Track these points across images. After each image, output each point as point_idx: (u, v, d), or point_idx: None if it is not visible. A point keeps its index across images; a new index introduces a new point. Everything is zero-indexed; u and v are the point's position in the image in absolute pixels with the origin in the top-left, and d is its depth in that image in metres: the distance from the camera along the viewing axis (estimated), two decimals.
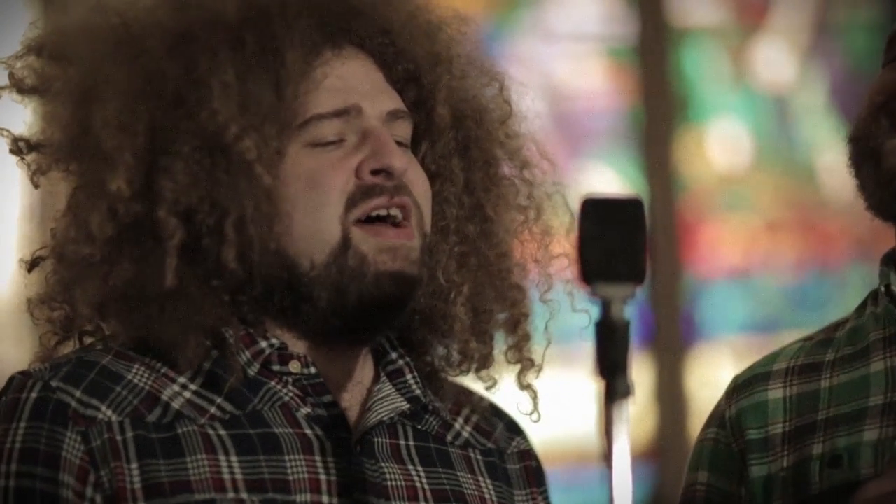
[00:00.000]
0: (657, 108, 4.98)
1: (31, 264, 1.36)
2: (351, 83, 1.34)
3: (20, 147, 1.35)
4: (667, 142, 4.97)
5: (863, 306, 1.49)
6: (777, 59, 5.05)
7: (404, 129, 1.36)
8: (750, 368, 1.55)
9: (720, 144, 5.02)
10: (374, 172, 1.30)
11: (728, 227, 5.00)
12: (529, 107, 1.47)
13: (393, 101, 1.35)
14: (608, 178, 5.01)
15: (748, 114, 5.04)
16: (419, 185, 1.34)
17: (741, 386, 1.53)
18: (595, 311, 0.96)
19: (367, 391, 1.35)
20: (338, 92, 1.33)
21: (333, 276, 1.29)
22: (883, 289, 1.45)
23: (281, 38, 1.30)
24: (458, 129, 1.40)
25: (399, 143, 1.34)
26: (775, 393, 1.50)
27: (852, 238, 4.89)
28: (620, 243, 0.96)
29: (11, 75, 1.34)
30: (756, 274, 4.96)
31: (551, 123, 4.84)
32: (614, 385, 0.94)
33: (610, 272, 0.96)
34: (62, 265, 1.32)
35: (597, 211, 0.97)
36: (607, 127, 5.03)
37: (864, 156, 1.41)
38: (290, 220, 1.29)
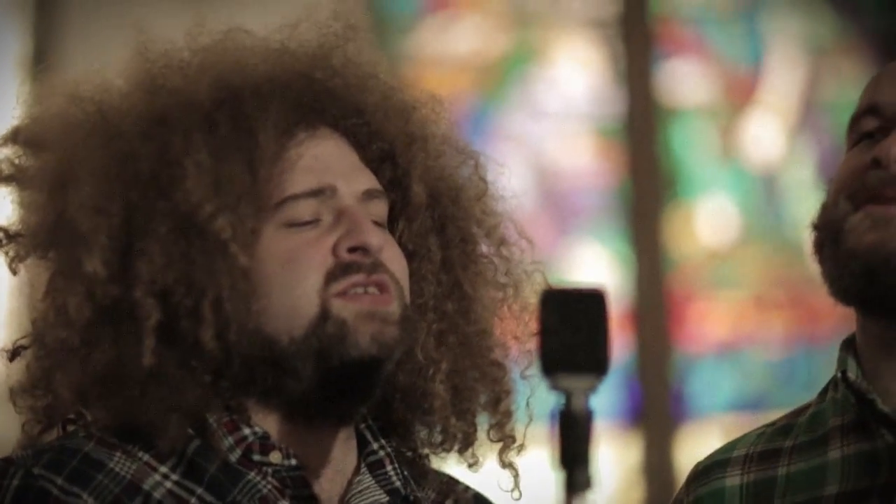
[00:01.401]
0: (646, 186, 5.00)
1: (13, 353, 1.36)
2: (325, 163, 1.35)
3: (7, 236, 1.36)
4: (655, 219, 4.98)
5: (824, 391, 1.48)
6: (765, 136, 5.08)
7: (380, 208, 1.37)
8: (710, 455, 1.53)
9: (709, 221, 5.04)
10: (351, 250, 1.31)
11: (717, 304, 5.00)
12: (508, 185, 1.47)
13: (368, 181, 1.36)
14: (597, 254, 5.02)
15: (736, 190, 5.06)
16: (396, 262, 1.34)
17: (700, 473, 1.51)
18: (557, 402, 0.96)
19: (347, 482, 1.34)
20: (312, 172, 1.34)
21: (314, 345, 1.29)
22: (840, 375, 1.43)
23: (254, 120, 1.31)
24: (434, 207, 1.41)
25: (375, 222, 1.35)
26: (733, 480, 1.47)
27: (840, 314, 4.89)
28: (581, 336, 0.96)
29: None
30: (745, 350, 4.96)
31: (540, 200, 4.87)
32: (574, 477, 0.94)
33: (570, 364, 0.96)
34: (42, 351, 1.32)
35: (557, 303, 0.98)
36: (596, 204, 5.05)
37: (825, 239, 1.41)
38: (267, 299, 1.29)
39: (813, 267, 4.73)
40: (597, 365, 0.96)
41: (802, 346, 4.94)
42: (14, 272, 1.37)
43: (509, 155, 4.99)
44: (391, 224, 1.39)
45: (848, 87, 5.06)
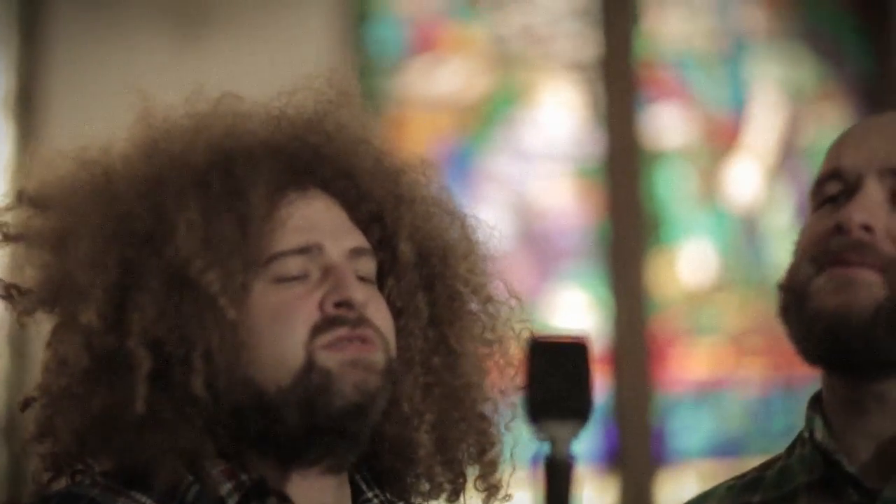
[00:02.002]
0: (626, 228, 5.02)
1: (24, 404, 1.42)
2: (314, 222, 1.41)
3: (11, 293, 1.43)
4: (636, 261, 5.00)
5: (792, 446, 1.49)
6: (746, 180, 5.11)
7: (367, 266, 1.42)
8: None
9: (689, 264, 5.07)
10: (337, 305, 1.36)
11: (696, 347, 5.02)
12: (496, 244, 1.51)
13: (355, 239, 1.42)
14: (577, 296, 5.04)
15: (716, 234, 5.09)
16: (381, 317, 1.39)
17: None
18: (541, 449, 0.99)
19: None
20: (301, 231, 1.39)
21: (300, 394, 1.34)
22: (807, 434, 1.45)
23: (246, 181, 1.38)
24: (422, 266, 1.46)
25: (362, 279, 1.40)
26: None
27: None
28: (565, 384, 0.99)
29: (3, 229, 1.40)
30: (723, 393, 4.98)
31: (521, 242, 4.89)
32: None
33: (555, 412, 0.98)
34: (46, 399, 1.39)
35: (542, 353, 1.01)
36: (577, 246, 5.08)
37: (791, 302, 1.43)
38: (256, 350, 1.35)
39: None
40: (580, 412, 0.99)
41: (781, 390, 4.96)
42: (22, 325, 1.44)
43: (491, 196, 5.03)
44: (381, 281, 1.44)
45: (828, 132, 5.10)
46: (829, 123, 5.11)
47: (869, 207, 1.39)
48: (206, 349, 1.33)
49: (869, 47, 5.15)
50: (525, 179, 5.11)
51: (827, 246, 1.40)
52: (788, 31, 5.19)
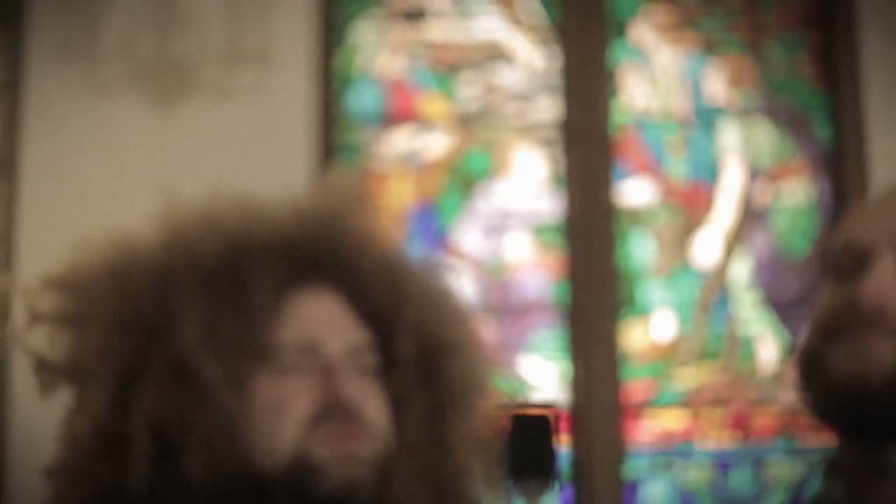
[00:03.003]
0: (590, 295, 5.06)
1: (47, 476, 1.50)
2: (316, 318, 1.49)
3: (39, 367, 1.52)
4: (602, 325, 5.03)
5: None
6: (709, 247, 5.17)
7: (366, 361, 1.50)
8: None
9: (652, 330, 5.12)
10: (332, 400, 1.44)
11: (658, 412, 5.06)
12: (491, 335, 1.63)
13: (355, 336, 1.50)
14: (540, 362, 5.07)
15: (681, 298, 5.14)
16: (376, 413, 1.47)
17: None
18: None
19: None
20: (303, 326, 1.48)
21: (291, 482, 1.41)
22: (823, 497, 1.48)
23: (252, 277, 1.46)
24: (422, 361, 1.53)
25: (361, 373, 1.48)
26: None
27: (775, 412, 5.02)
28: (534, 449, 1.09)
29: (31, 306, 1.49)
30: (686, 458, 5.01)
31: (485, 307, 4.92)
32: None
33: (526, 472, 1.09)
34: (57, 473, 1.47)
35: (515, 423, 1.10)
36: (539, 311, 5.11)
37: (806, 373, 1.47)
38: (252, 438, 1.43)
39: (748, 364, 4.75)
40: (548, 473, 1.09)
41: (742, 452, 5.01)
42: (43, 397, 1.52)
43: (457, 260, 5.07)
44: (380, 374, 1.51)
45: (790, 201, 5.19)
46: (791, 193, 5.20)
47: (881, 283, 1.41)
48: (205, 435, 1.41)
49: (831, 122, 5.23)
50: (491, 244, 5.15)
51: (839, 319, 1.43)
52: (753, 103, 5.27)
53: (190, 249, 1.49)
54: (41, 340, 1.52)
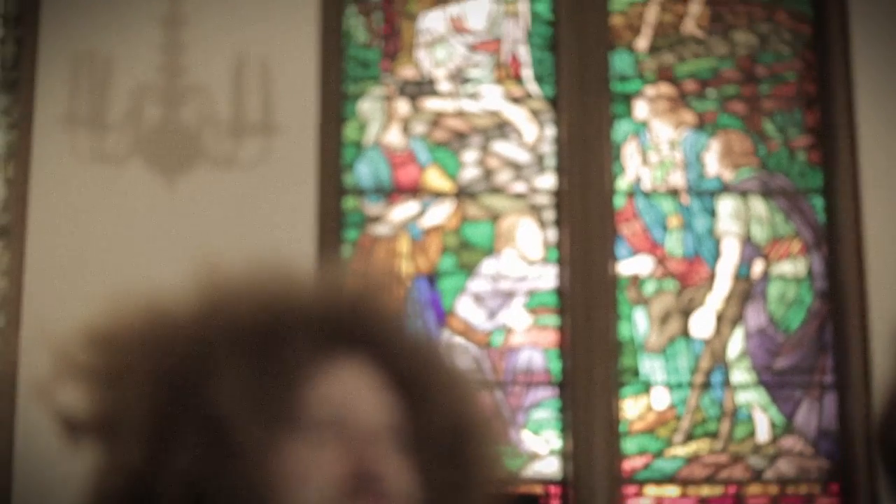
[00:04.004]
0: (589, 363, 5.09)
1: None
2: (348, 390, 1.51)
3: (72, 422, 1.53)
4: (596, 403, 5.06)
5: None
6: (706, 322, 5.22)
7: (394, 438, 1.51)
8: None
9: (650, 406, 5.16)
10: (362, 475, 1.45)
11: (658, 485, 5.08)
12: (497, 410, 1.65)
13: (387, 411, 1.52)
14: (536, 437, 5.12)
15: (674, 365, 5.18)
16: (400, 487, 1.48)
17: None
18: None
19: None
20: (335, 398, 1.49)
21: None
22: None
23: (288, 345, 1.49)
24: (448, 439, 1.54)
25: (391, 450, 1.49)
26: None
27: (769, 485, 5.04)
28: None
29: (63, 361, 1.53)
30: None
31: (487, 382, 4.95)
32: None
33: None
34: None
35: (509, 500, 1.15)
36: (536, 387, 5.16)
37: (889, 456, 1.50)
38: (281, 499, 1.43)
39: (740, 431, 4.76)
40: None
41: None
42: (70, 448, 1.52)
43: (456, 332, 5.12)
44: (404, 451, 1.51)
45: (790, 274, 5.24)
46: (786, 267, 5.25)
47: None
48: (236, 497, 1.42)
49: (827, 198, 5.30)
50: (489, 314, 5.20)
51: None
52: (750, 179, 5.34)
53: (228, 313, 1.51)
54: (70, 396, 1.53)
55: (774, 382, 5.17)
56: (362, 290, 1.58)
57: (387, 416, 1.50)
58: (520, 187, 5.33)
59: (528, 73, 5.41)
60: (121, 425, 1.48)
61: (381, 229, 5.23)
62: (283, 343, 1.49)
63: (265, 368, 1.49)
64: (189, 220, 4.96)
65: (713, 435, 5.14)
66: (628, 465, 5.10)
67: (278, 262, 1.55)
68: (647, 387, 5.17)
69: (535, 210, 5.30)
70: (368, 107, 5.34)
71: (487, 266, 5.25)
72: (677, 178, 5.33)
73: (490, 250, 5.26)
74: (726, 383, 5.16)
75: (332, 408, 1.48)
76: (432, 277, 5.19)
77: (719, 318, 5.24)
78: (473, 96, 5.39)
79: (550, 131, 5.35)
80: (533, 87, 5.39)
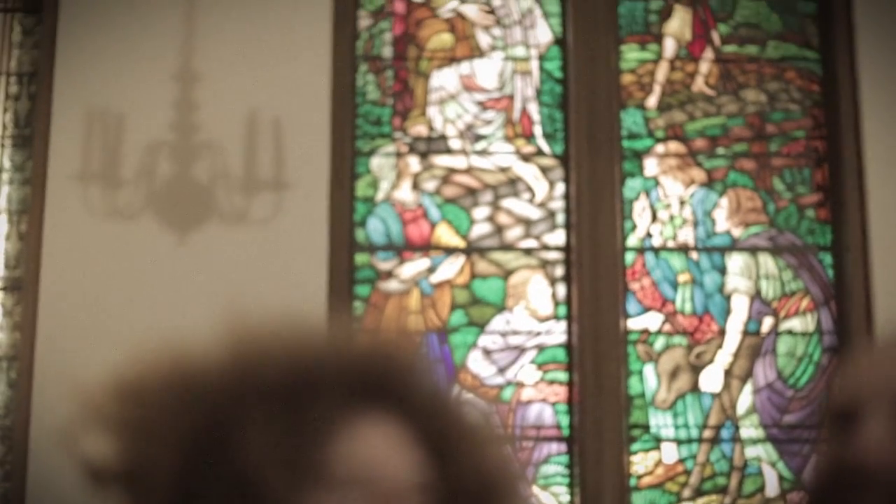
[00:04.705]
0: (599, 418, 5.10)
1: None
2: (375, 447, 1.49)
3: (98, 472, 1.52)
4: (607, 451, 5.07)
5: None
6: (716, 378, 5.23)
7: (415, 496, 1.49)
8: None
9: (661, 463, 5.16)
10: None
11: None
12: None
13: (413, 468, 1.50)
14: (554, 492, 5.11)
15: (683, 420, 5.19)
16: None
17: None
18: None
19: None
20: (362, 454, 1.48)
21: None
22: None
23: (315, 401, 1.49)
24: (472, 497, 1.52)
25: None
26: None
27: None
28: None
29: (93, 411, 1.53)
30: None
31: (498, 437, 4.95)
32: None
33: None
34: None
35: None
36: (553, 440, 5.16)
37: None
38: None
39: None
40: None
41: None
42: (96, 496, 1.52)
43: (467, 388, 5.13)
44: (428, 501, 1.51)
45: (799, 331, 5.25)
46: (795, 324, 5.27)
47: (869, 443, 1.42)
48: None
49: (836, 255, 5.32)
50: (500, 371, 5.23)
51: (831, 477, 1.46)
52: (759, 236, 5.37)
53: (256, 368, 1.51)
54: (95, 445, 1.54)
55: (783, 437, 5.17)
56: (386, 346, 1.58)
57: (415, 474, 1.48)
58: (530, 243, 5.36)
59: (538, 130, 5.44)
60: (147, 477, 1.48)
61: (392, 285, 5.26)
62: (311, 399, 1.49)
63: (293, 425, 1.48)
64: (200, 275, 4.99)
65: (722, 490, 5.14)
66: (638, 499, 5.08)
67: (301, 318, 1.55)
68: (656, 442, 5.18)
69: (546, 266, 5.32)
70: (380, 163, 5.38)
71: (498, 321, 5.26)
72: (687, 235, 5.35)
73: (500, 306, 5.28)
74: (735, 438, 5.16)
75: (360, 465, 1.46)
76: (443, 333, 5.21)
77: (728, 374, 5.24)
78: (484, 153, 5.43)
79: (561, 188, 5.38)
80: (543, 144, 5.43)
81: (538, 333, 5.26)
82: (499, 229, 5.37)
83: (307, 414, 1.47)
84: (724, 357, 5.26)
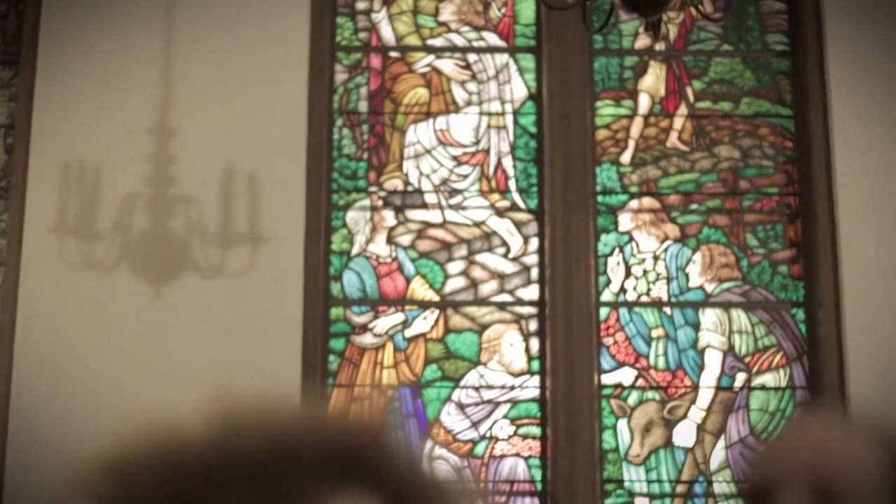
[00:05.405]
0: (572, 473, 5.10)
1: None
2: None
3: None
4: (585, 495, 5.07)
5: None
6: (686, 422, 5.24)
7: None
8: None
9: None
10: None
11: None
12: None
13: None
14: None
15: (657, 475, 5.20)
16: None
17: None
18: None
19: None
20: None
21: None
22: None
23: (295, 477, 1.50)
24: None
25: None
26: None
27: None
28: None
29: (82, 487, 1.54)
30: None
31: (472, 492, 4.96)
32: None
33: None
34: None
35: None
36: (527, 495, 5.16)
37: None
38: None
39: None
40: None
41: None
42: None
43: (440, 445, 5.13)
44: None
45: (772, 385, 5.27)
46: (768, 379, 5.29)
47: None
48: None
49: (808, 311, 5.35)
50: (473, 425, 5.23)
51: None
52: (732, 292, 5.40)
53: (241, 443, 1.53)
54: None
55: (757, 492, 5.16)
56: (358, 419, 1.59)
57: None
58: (504, 298, 5.38)
59: (513, 184, 5.47)
60: None
61: (367, 339, 5.27)
62: (290, 474, 1.51)
63: (273, 499, 1.50)
64: (175, 328, 5.00)
65: None
66: None
67: (278, 393, 1.57)
68: (630, 496, 5.18)
69: (520, 321, 5.34)
70: (355, 217, 5.40)
71: (471, 376, 5.27)
72: (661, 290, 5.37)
73: (475, 360, 5.29)
74: (709, 493, 5.17)
75: None
76: (416, 387, 5.22)
77: (701, 429, 5.25)
78: (459, 207, 5.45)
79: (535, 243, 5.41)
80: (518, 198, 5.46)
81: (512, 388, 5.28)
82: (473, 283, 5.39)
83: (287, 489, 1.39)
84: (697, 412, 5.27)
